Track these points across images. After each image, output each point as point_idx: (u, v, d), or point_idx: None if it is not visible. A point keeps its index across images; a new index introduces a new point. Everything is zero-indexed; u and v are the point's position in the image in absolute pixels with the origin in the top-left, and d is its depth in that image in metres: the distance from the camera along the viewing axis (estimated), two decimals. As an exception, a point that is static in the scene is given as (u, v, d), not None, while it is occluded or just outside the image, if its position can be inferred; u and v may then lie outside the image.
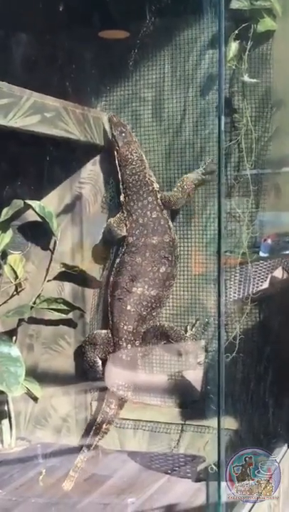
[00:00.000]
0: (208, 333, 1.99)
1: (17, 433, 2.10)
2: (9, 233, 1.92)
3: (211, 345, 1.98)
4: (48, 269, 2.08)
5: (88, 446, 1.96)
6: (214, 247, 1.96)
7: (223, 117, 1.66)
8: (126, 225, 1.96)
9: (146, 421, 2.08)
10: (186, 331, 1.99)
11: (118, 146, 1.96)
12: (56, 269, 2.08)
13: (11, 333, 2.04)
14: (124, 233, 1.97)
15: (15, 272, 2.04)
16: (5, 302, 2.03)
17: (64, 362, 2.14)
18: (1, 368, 1.69)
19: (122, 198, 1.97)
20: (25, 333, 2.14)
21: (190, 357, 2.02)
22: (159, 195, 1.96)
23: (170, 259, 1.95)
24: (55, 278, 2.08)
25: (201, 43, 1.94)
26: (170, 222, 1.96)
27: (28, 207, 1.98)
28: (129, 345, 1.98)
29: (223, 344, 1.84)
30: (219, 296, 1.65)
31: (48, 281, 2.07)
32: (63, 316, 2.06)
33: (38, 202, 1.98)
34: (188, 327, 1.99)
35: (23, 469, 1.98)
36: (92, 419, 2.08)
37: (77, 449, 1.98)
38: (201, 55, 1.95)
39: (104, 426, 1.98)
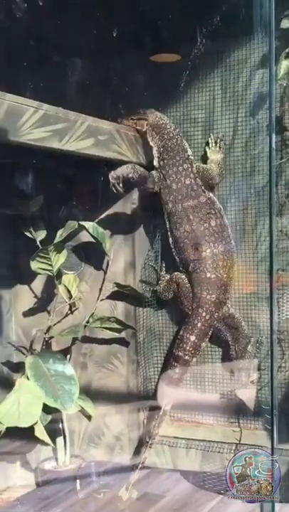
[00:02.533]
0: (262, 351, 1.98)
1: (71, 451, 2.12)
2: (64, 254, 1.95)
3: (264, 363, 1.97)
4: (101, 289, 2.11)
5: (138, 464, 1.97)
6: (266, 266, 1.96)
7: (274, 135, 1.67)
8: (159, 188, 1.99)
9: (199, 440, 2.08)
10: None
11: (147, 118, 2.00)
12: (109, 288, 2.11)
13: (65, 352, 2.07)
14: (156, 189, 1.98)
15: (69, 292, 2.07)
16: (59, 321, 2.07)
17: (117, 380, 2.16)
18: (55, 385, 1.73)
19: (155, 162, 2.00)
20: (79, 352, 2.17)
21: (243, 375, 2.01)
22: (194, 165, 1.99)
23: (214, 212, 1.96)
24: (108, 297, 2.11)
25: (251, 63, 1.96)
26: (203, 187, 1.98)
27: (82, 228, 2.02)
28: (208, 316, 1.97)
29: (276, 362, 1.83)
30: (271, 314, 1.65)
31: (101, 300, 2.10)
32: (116, 334, 2.08)
33: (91, 223, 2.02)
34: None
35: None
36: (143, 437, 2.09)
37: (131, 468, 1.99)
38: (252, 75, 1.97)
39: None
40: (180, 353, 1.99)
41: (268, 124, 1.83)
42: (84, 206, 2.10)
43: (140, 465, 1.97)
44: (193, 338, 1.97)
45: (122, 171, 1.91)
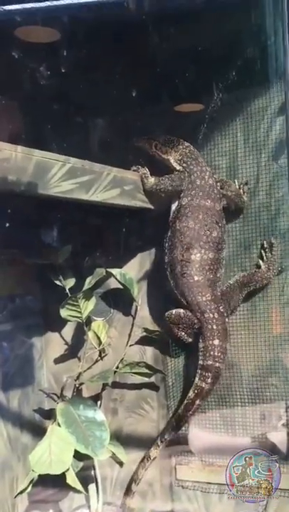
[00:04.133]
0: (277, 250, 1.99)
1: (104, 498, 2.11)
2: (93, 300, 1.99)
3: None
4: (130, 334, 2.14)
5: None
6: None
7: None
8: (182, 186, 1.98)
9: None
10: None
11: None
12: (138, 333, 2.13)
13: (95, 398, 2.09)
14: (183, 187, 1.97)
15: (98, 338, 2.09)
16: (89, 368, 2.09)
17: (148, 425, 2.16)
18: (86, 432, 1.74)
19: (177, 165, 2.00)
20: (110, 398, 2.18)
21: (273, 419, 2.00)
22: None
23: (220, 225, 1.96)
24: (136, 342, 2.13)
25: (271, 111, 2.00)
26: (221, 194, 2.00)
27: (109, 275, 2.06)
28: (216, 314, 1.94)
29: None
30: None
31: (130, 345, 2.13)
32: (146, 379, 2.09)
33: (119, 269, 2.06)
34: None
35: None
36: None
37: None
38: (272, 122, 2.01)
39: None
40: (209, 362, 1.94)
41: (287, 169, 1.87)
42: (111, 254, 2.14)
43: None
44: (216, 341, 1.93)
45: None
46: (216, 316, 1.94)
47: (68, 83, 2.05)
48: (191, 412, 1.98)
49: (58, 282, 2.02)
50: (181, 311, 1.98)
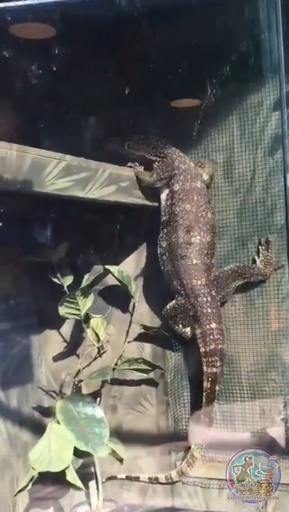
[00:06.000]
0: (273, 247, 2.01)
1: (104, 495, 2.11)
2: (91, 298, 1.99)
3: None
4: (128, 331, 2.14)
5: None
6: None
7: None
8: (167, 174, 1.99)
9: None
10: None
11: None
12: (136, 330, 2.14)
13: (95, 395, 2.09)
14: (164, 176, 1.98)
15: (97, 335, 2.09)
16: (88, 365, 2.09)
17: (147, 422, 2.17)
18: (85, 429, 1.74)
19: (153, 157, 2.02)
20: (109, 395, 2.19)
21: (272, 414, 2.00)
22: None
23: (211, 205, 2.00)
24: (135, 339, 2.14)
25: (266, 106, 2.00)
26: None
27: (107, 272, 2.06)
28: (209, 298, 1.95)
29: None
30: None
31: (129, 342, 2.13)
32: (144, 375, 2.10)
33: (116, 267, 2.06)
34: None
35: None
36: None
37: (164, 510, 1.98)
38: (268, 117, 2.01)
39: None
40: (212, 346, 1.95)
41: (283, 165, 1.87)
42: (108, 250, 2.14)
43: None
44: (214, 325, 1.95)
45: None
46: (209, 299, 1.95)
47: (62, 80, 2.05)
48: (216, 401, 1.99)
49: (55, 280, 2.02)
50: (174, 301, 2.00)
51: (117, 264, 2.12)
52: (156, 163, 2.01)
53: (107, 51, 1.96)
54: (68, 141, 2.01)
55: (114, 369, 2.06)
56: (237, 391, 2.08)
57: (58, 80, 2.02)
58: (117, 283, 2.09)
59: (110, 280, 2.13)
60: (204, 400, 1.99)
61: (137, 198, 1.97)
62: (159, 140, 2.05)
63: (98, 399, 2.11)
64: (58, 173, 1.64)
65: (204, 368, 1.97)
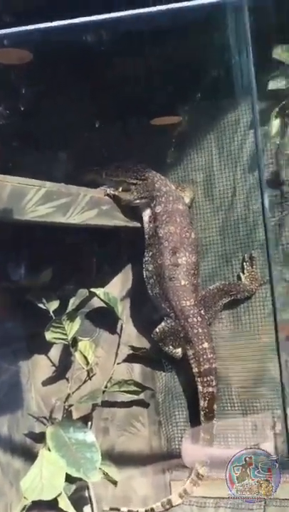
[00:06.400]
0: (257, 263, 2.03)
1: (100, 518, 2.11)
2: (77, 321, 1.99)
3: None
4: (116, 353, 2.14)
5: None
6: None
7: (266, 193, 1.74)
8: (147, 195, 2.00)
9: (228, 498, 2.06)
10: None
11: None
12: (125, 351, 2.13)
13: (85, 419, 2.09)
14: (140, 196, 1.98)
15: (86, 358, 2.09)
16: (78, 388, 2.09)
17: (140, 443, 2.16)
18: (77, 454, 1.74)
19: (133, 180, 2.02)
20: (100, 417, 2.17)
21: (265, 428, 2.01)
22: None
23: (193, 226, 2.01)
24: (124, 360, 2.13)
25: (243, 124, 2.03)
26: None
27: (93, 295, 2.07)
28: (198, 318, 1.96)
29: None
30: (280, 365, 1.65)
31: (118, 364, 2.13)
32: (135, 397, 2.09)
33: (102, 289, 2.07)
34: None
35: None
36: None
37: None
38: (245, 134, 2.04)
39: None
40: (207, 366, 1.95)
41: (259, 183, 1.90)
42: (93, 273, 2.15)
43: None
44: (206, 344, 1.95)
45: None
46: (199, 319, 1.96)
47: (40, 104, 2.06)
48: (215, 419, 1.99)
49: (41, 305, 2.02)
50: (163, 324, 2.00)
51: (102, 286, 2.12)
52: (137, 185, 2.02)
53: (80, 77, 1.98)
54: (48, 165, 2.04)
55: (104, 392, 2.06)
56: (228, 408, 2.08)
57: (37, 102, 2.05)
58: (104, 305, 2.09)
59: (96, 302, 2.13)
60: (202, 418, 1.99)
61: (119, 221, 1.97)
62: (138, 164, 2.06)
63: (89, 422, 2.10)
64: (38, 200, 1.64)
65: (200, 387, 1.97)
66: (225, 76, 1.92)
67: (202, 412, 1.99)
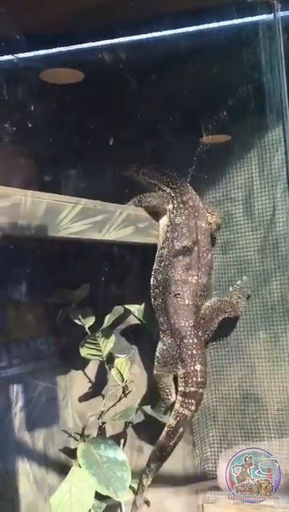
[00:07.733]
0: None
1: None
2: (112, 339, 1.99)
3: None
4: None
5: None
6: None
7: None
8: (172, 204, 1.97)
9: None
10: None
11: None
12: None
13: (119, 437, 2.08)
14: (168, 206, 1.96)
15: (121, 375, 2.08)
16: (113, 405, 2.08)
17: (173, 462, 2.13)
18: (107, 473, 1.72)
19: (164, 186, 2.00)
20: (134, 435, 2.17)
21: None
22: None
23: (211, 247, 1.99)
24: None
25: (284, 143, 2.01)
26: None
27: (128, 312, 2.07)
28: (195, 339, 1.91)
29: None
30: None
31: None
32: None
33: (137, 306, 2.07)
34: None
35: None
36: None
37: None
38: (287, 152, 2.01)
39: None
40: (193, 389, 1.90)
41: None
42: (129, 289, 2.15)
43: None
44: (198, 367, 1.90)
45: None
46: (195, 341, 1.92)
47: (88, 123, 2.09)
48: (174, 441, 1.93)
49: (77, 321, 2.03)
50: (160, 345, 1.96)
51: (139, 303, 2.12)
52: (158, 191, 2.00)
53: (131, 95, 2.01)
54: (91, 182, 2.06)
55: (137, 409, 2.04)
56: (264, 430, 2.05)
57: (85, 122, 2.08)
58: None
59: (133, 319, 2.14)
60: (164, 435, 1.94)
61: (156, 238, 1.97)
62: (174, 171, 2.04)
63: (123, 440, 2.09)
64: (73, 217, 1.66)
65: (177, 405, 1.93)
66: (265, 95, 1.92)
67: (166, 429, 1.94)
